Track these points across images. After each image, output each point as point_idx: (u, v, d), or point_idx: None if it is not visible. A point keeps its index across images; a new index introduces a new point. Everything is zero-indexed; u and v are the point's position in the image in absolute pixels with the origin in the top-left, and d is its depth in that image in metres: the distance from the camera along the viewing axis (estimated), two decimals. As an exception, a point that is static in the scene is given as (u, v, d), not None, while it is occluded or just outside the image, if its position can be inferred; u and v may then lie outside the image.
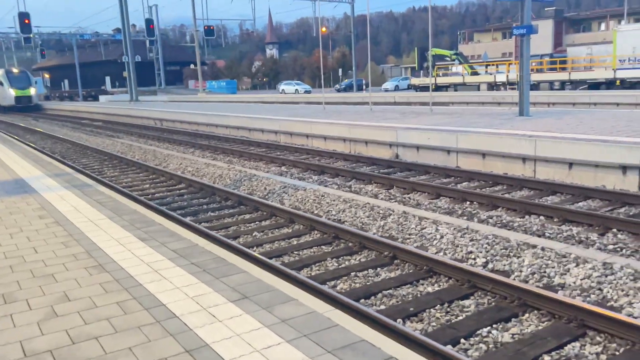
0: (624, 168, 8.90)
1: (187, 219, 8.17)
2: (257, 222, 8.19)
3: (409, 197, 9.17)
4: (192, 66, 77.92)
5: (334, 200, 8.71)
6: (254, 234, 7.56)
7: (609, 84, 29.97)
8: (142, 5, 47.39)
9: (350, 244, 6.74)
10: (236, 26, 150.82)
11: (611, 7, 70.88)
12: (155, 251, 4.90)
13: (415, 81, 44.03)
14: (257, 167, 13.10)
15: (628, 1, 49.75)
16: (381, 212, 7.80)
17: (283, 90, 62.23)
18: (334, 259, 6.35)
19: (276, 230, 7.73)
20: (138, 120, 30.21)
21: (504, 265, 5.74)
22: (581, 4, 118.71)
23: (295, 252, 6.68)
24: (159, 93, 69.38)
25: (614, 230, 6.77)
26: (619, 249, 6.01)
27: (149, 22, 44.34)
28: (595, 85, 30.67)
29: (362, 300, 5.15)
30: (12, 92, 48.27)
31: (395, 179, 10.42)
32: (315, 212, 8.43)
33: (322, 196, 9.05)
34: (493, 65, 41.14)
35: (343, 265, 6.14)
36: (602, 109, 20.82)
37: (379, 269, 5.97)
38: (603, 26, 58.32)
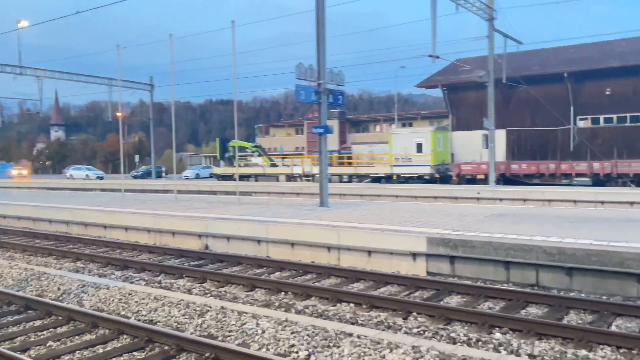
0: (414, 255, 10.03)
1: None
2: (51, 330, 7.14)
3: (225, 291, 8.96)
4: (-43, 146, 67.83)
5: (143, 299, 8.06)
6: (48, 344, 6.55)
7: (388, 178, 34.19)
8: None
9: (166, 347, 6.24)
10: (15, 104, 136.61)
11: (383, 112, 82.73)
12: None
13: (217, 170, 44.51)
14: (46, 264, 11.61)
15: (396, 108, 58.66)
16: (197, 308, 7.43)
17: (71, 175, 57.59)
18: (150, 366, 5.79)
19: (76, 337, 6.82)
20: None
21: (325, 356, 5.85)
22: (358, 107, 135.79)
23: (104, 363, 5.94)
24: None
25: (414, 313, 7.47)
26: (422, 332, 6.61)
27: None
28: (377, 179, 34.68)
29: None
30: None
31: (207, 271, 10.13)
32: (123, 313, 7.69)
33: (129, 294, 8.32)
34: (289, 158, 43.92)
35: (161, 373, 5.63)
36: (385, 200, 23.48)
37: (201, 373, 5.60)
38: (378, 128, 67.20)
